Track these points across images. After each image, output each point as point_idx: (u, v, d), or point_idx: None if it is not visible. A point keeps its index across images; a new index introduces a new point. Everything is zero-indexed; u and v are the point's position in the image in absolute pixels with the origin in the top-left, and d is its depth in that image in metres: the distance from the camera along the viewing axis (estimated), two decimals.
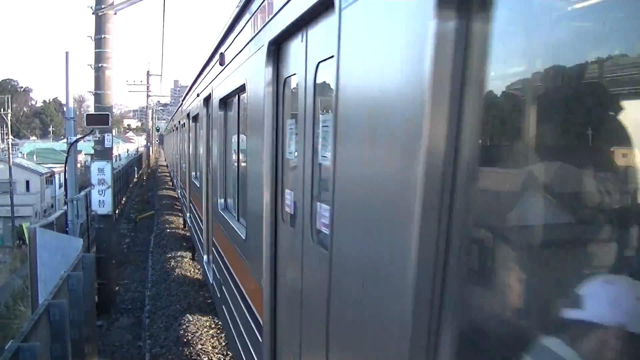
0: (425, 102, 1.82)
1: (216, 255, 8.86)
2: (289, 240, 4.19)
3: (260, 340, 4.93)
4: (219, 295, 8.54)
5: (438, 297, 1.86)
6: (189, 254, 16.79)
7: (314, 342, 3.32)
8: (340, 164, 2.69)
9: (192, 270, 15.17)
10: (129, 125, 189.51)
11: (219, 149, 8.72)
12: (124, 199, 31.22)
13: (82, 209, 13.53)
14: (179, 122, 18.96)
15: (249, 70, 5.57)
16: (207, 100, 10.32)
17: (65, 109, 14.05)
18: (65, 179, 13.53)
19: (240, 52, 6.24)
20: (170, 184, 35.43)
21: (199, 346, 10.01)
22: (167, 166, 49.46)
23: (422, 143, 1.83)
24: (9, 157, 53.51)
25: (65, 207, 13.19)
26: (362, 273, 2.40)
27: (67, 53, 12.86)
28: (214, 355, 9.66)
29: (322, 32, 3.33)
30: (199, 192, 12.44)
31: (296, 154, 3.94)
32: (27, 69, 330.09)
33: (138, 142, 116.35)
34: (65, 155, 13.24)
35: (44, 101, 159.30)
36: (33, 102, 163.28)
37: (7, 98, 60.89)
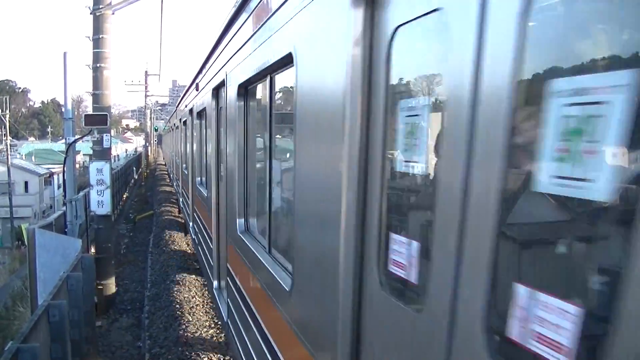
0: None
1: (233, 290, 6.89)
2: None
3: None
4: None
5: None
6: (188, 253, 16.79)
7: None
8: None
9: (191, 269, 15.16)
10: (127, 125, 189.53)
11: (239, 151, 6.26)
12: (124, 197, 31.24)
13: (81, 210, 13.52)
14: (180, 119, 18.33)
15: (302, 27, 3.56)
16: (218, 89, 8.37)
17: (63, 109, 14.04)
18: (64, 180, 13.50)
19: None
20: (169, 185, 35.39)
21: (199, 346, 10.01)
22: (165, 165, 49.45)
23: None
24: (7, 158, 53.39)
25: (64, 208, 13.18)
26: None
27: (65, 53, 12.84)
28: (214, 356, 9.66)
29: None
30: (205, 202, 10.63)
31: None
32: (25, 70, 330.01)
33: (136, 142, 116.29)
34: (64, 155, 13.23)
35: (42, 102, 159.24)
36: (31, 103, 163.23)
37: (5, 99, 60.70)
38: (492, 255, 1.75)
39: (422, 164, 2.27)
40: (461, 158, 1.87)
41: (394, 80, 2.45)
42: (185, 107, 16.12)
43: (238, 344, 6.38)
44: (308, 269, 3.43)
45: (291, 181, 3.64)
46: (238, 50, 5.96)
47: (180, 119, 18.76)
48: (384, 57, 2.45)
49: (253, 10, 5.09)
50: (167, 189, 33.72)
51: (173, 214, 24.50)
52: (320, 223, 3.15)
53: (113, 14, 12.55)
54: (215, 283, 9.10)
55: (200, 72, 10.97)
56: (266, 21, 4.49)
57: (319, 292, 3.18)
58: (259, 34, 4.80)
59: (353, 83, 2.62)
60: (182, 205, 18.74)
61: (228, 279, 7.31)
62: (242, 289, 6.11)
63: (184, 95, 18.01)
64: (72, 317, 7.73)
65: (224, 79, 7.10)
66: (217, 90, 8.43)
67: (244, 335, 5.91)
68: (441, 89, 2.12)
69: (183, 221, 20.91)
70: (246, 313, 5.75)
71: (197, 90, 11.81)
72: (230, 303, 7.16)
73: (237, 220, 6.32)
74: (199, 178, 12.60)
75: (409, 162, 2.35)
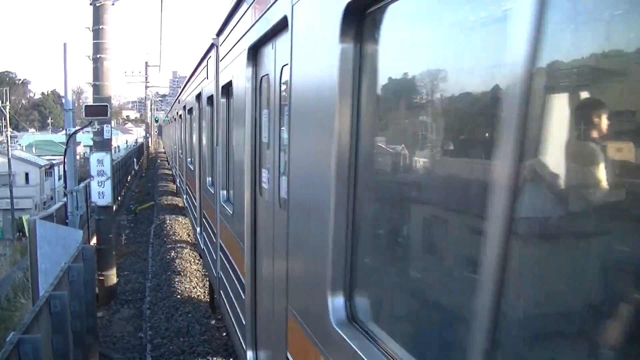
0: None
1: (206, 226, 10.29)
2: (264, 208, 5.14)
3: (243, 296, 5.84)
4: (205, 246, 10.59)
5: (350, 232, 2.91)
6: (189, 244, 16.82)
7: (278, 278, 4.36)
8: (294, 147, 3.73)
9: (192, 260, 15.19)
10: (127, 116, 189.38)
11: (211, 138, 9.38)
12: (125, 188, 31.25)
13: (82, 201, 13.50)
14: (184, 107, 18.36)
15: (234, 69, 6.39)
16: (199, 97, 11.43)
17: (63, 100, 14.00)
18: (64, 171, 13.48)
19: (227, 54, 7.17)
20: (171, 179, 35.40)
21: (200, 337, 10.04)
22: (165, 153, 49.41)
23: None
24: (8, 150, 53.40)
25: (65, 199, 13.17)
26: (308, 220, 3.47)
27: (65, 44, 12.79)
28: (216, 345, 9.69)
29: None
30: (193, 175, 13.96)
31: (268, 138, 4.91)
32: (25, 61, 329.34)
33: (137, 134, 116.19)
34: (64, 147, 13.20)
35: (43, 93, 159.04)
36: (31, 94, 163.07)
37: (6, 90, 60.65)
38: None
39: None
40: None
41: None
42: (181, 102, 16.20)
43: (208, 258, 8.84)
44: (238, 199, 6.24)
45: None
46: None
47: (185, 107, 18.45)
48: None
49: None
50: (169, 185, 33.75)
51: (174, 205, 24.54)
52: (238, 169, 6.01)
53: (113, 4, 12.49)
54: (198, 229, 12.76)
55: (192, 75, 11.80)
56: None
57: (240, 208, 5.85)
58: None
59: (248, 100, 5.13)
60: (186, 204, 18.57)
61: (203, 220, 10.65)
62: (211, 222, 9.21)
63: (189, 80, 17.23)
64: (73, 308, 7.73)
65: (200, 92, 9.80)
66: (199, 97, 11.28)
67: (212, 250, 8.87)
68: None
69: (185, 215, 20.95)
70: (212, 235, 8.62)
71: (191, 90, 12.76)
72: (205, 236, 10.64)
73: (220, 191, 8.29)
74: (190, 159, 13.94)
75: None
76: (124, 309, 12.37)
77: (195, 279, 13.61)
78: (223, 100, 8.19)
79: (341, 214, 2.89)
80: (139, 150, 52.19)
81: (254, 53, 5.44)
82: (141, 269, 15.44)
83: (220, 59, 8.21)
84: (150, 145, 65.27)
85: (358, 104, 2.79)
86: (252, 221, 5.63)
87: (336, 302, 2.96)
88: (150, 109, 72.46)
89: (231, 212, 6.97)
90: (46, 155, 71.49)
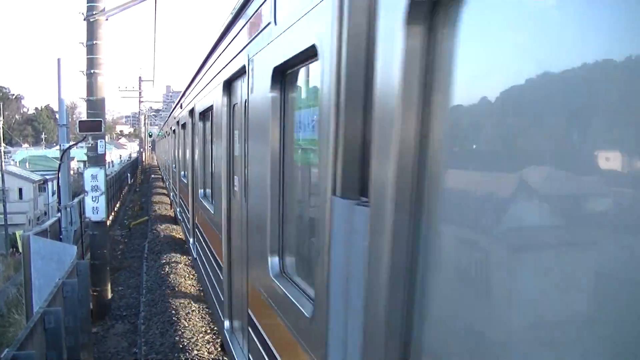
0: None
1: (199, 236, 10.95)
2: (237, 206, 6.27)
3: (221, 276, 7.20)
4: (197, 256, 11.38)
5: (281, 212, 4.28)
6: (183, 258, 16.77)
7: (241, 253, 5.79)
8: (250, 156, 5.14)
9: (187, 275, 15.14)
10: (121, 131, 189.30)
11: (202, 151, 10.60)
12: (119, 202, 31.16)
13: (76, 216, 13.49)
14: (178, 122, 18.71)
15: (215, 96, 7.82)
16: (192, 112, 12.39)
17: (57, 115, 14.02)
18: (58, 186, 13.47)
19: (208, 83, 8.76)
20: (165, 193, 35.33)
21: (195, 352, 9.99)
22: (159, 168, 49.27)
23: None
24: (1, 165, 53.21)
25: (59, 214, 13.15)
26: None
27: (59, 60, 12.86)
28: None
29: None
30: (186, 188, 14.71)
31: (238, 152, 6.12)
32: (18, 76, 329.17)
33: (130, 148, 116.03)
34: (58, 162, 13.20)
35: (36, 108, 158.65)
36: (25, 110, 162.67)
37: None
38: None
39: None
40: None
41: None
42: (176, 117, 17.07)
43: (198, 257, 10.40)
44: (217, 200, 7.71)
45: None
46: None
47: (178, 122, 18.76)
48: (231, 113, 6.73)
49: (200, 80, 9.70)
50: (163, 198, 33.70)
51: (168, 219, 24.49)
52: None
53: (107, 20, 12.56)
54: (191, 240, 13.12)
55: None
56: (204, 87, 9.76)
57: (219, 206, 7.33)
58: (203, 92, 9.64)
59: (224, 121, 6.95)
60: (179, 216, 18.66)
61: (197, 230, 11.59)
62: (202, 231, 10.25)
63: (183, 95, 17.10)
64: (67, 323, 7.71)
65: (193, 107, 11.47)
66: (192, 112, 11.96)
67: (201, 253, 10.35)
68: None
69: (180, 229, 20.91)
70: (203, 243, 9.91)
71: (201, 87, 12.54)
72: (197, 246, 11.21)
73: (200, 190, 10.31)
74: (183, 172, 15.49)
75: None
76: (118, 325, 12.31)
77: (190, 295, 13.56)
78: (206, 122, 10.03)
79: (275, 200, 4.25)
80: (133, 164, 52.13)
81: (228, 86, 6.84)
82: (135, 284, 15.38)
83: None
84: (144, 159, 65.18)
85: (282, 126, 4.21)
86: (227, 217, 6.94)
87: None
88: (144, 123, 72.38)
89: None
90: (40, 171, 71.28)
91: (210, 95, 8.54)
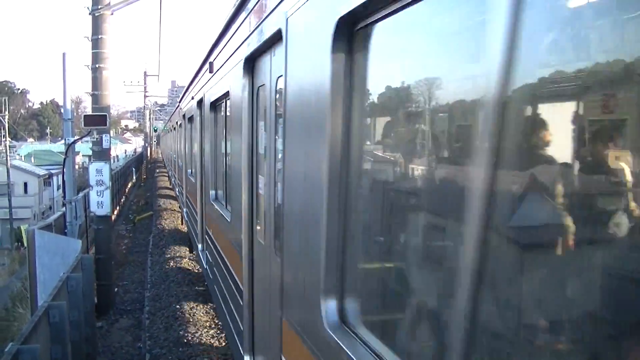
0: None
1: (209, 243, 9.82)
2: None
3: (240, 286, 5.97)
4: (208, 266, 10.19)
5: (342, 237, 2.99)
6: (188, 253, 16.80)
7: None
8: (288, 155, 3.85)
9: (192, 269, 15.16)
10: (126, 126, 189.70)
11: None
12: (124, 197, 31.21)
13: (81, 211, 13.50)
14: (184, 115, 17.91)
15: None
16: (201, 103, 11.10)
17: (62, 110, 14.02)
18: (63, 181, 13.47)
19: (222, 65, 7.35)
20: (169, 188, 35.37)
21: (200, 347, 10.00)
22: (163, 163, 49.29)
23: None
24: (6, 159, 53.36)
25: (64, 209, 13.16)
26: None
27: (64, 54, 12.83)
28: (215, 356, 9.65)
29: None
30: (193, 187, 13.65)
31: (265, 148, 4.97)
32: (24, 71, 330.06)
33: (135, 143, 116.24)
34: (63, 156, 13.21)
35: (41, 103, 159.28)
36: (30, 104, 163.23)
37: (4, 100, 60.69)
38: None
39: None
40: None
41: None
42: (188, 102, 15.42)
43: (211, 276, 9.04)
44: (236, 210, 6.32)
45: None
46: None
47: (184, 115, 17.95)
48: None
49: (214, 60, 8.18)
50: (168, 193, 33.75)
51: (173, 214, 24.52)
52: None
53: (112, 14, 12.53)
54: (199, 246, 11.83)
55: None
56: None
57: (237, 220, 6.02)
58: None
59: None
60: (186, 217, 18.13)
61: (206, 237, 10.51)
62: (214, 239, 8.93)
63: (190, 85, 15.85)
64: (72, 318, 7.72)
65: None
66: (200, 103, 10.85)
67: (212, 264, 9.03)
68: None
69: (185, 227, 20.91)
70: (214, 251, 8.69)
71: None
72: (207, 254, 10.00)
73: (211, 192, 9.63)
74: (190, 170, 14.07)
75: None
76: (122, 319, 12.32)
77: (195, 289, 13.58)
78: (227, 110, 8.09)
79: (333, 221, 2.95)
80: (138, 159, 52.20)
81: (251, 63, 5.47)
82: (140, 279, 15.40)
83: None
84: (149, 154, 65.28)
85: (349, 113, 2.87)
86: (249, 231, 5.61)
87: (329, 306, 3.03)
88: (149, 118, 72.53)
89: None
90: (45, 165, 71.42)
91: (225, 80, 7.13)
